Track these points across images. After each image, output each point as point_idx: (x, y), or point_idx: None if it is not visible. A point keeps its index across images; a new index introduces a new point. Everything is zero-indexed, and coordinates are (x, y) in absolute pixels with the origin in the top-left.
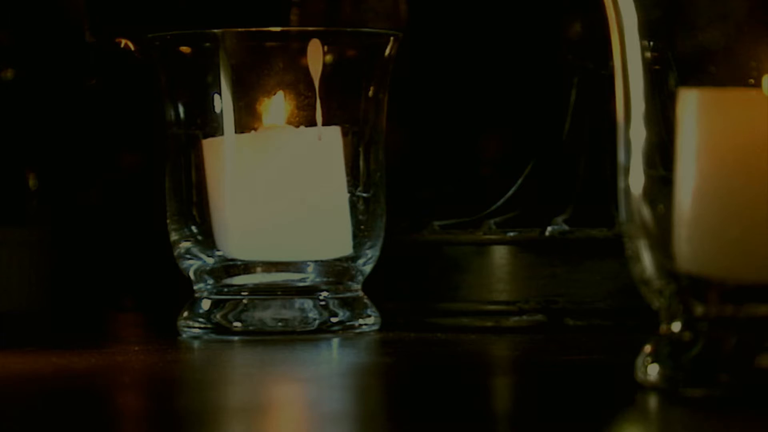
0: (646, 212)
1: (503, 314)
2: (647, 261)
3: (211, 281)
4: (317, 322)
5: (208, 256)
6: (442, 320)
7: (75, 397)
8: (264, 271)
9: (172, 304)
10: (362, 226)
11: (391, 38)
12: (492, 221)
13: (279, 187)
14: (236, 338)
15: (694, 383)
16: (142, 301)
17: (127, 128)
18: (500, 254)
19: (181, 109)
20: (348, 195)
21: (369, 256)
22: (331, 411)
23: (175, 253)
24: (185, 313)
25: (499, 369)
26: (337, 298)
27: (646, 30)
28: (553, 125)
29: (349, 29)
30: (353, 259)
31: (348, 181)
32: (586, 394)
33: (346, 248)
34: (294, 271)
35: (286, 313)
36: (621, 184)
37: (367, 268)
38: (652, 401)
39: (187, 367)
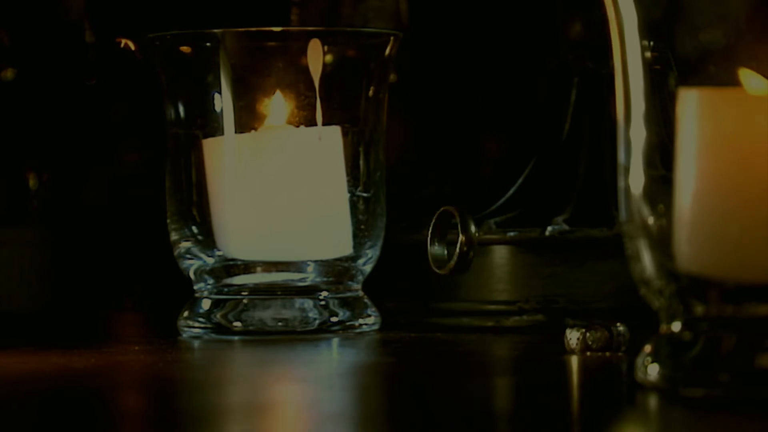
0: (646, 212)
1: (503, 314)
2: (647, 261)
3: (211, 281)
4: (317, 322)
5: (208, 256)
6: (442, 320)
7: (75, 397)
8: (264, 271)
9: (172, 304)
10: (362, 226)
11: (391, 38)
12: (492, 221)
13: (279, 187)
14: (236, 338)
15: (694, 383)
16: (142, 301)
17: (128, 128)
18: (500, 254)
19: (181, 109)
20: (348, 195)
21: (369, 256)
22: (331, 411)
23: (175, 253)
24: (185, 313)
25: (499, 369)
26: (337, 298)
27: (646, 30)
28: (553, 125)
29: (349, 29)
30: (353, 259)
31: (348, 181)
32: (586, 394)
33: (346, 248)
34: (294, 271)
35: (286, 313)
36: (621, 184)
37: (367, 268)
38: (652, 401)
39: (187, 367)
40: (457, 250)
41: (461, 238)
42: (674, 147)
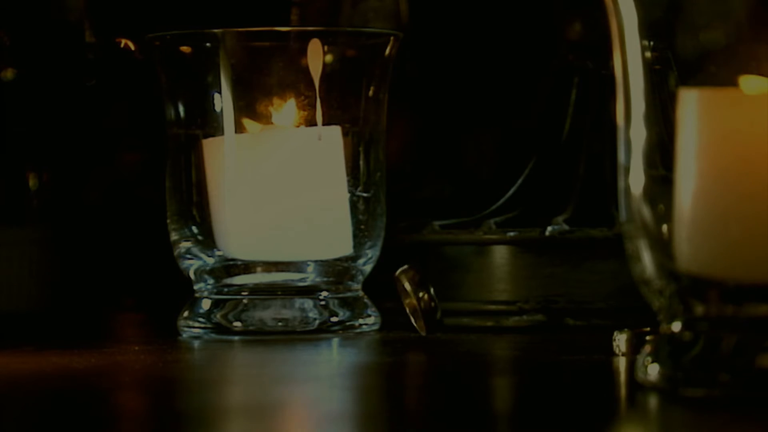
0: (646, 212)
1: (503, 314)
2: (647, 261)
3: (211, 281)
4: (317, 322)
5: (208, 256)
6: (442, 320)
7: (75, 397)
8: (264, 271)
9: (172, 304)
10: (362, 226)
11: (391, 38)
12: (492, 221)
13: (279, 186)
14: (236, 338)
15: (694, 383)
16: (142, 301)
17: (128, 128)
18: (500, 254)
19: (181, 109)
20: (348, 195)
21: (369, 256)
22: (331, 411)
23: (175, 253)
24: (185, 313)
25: (499, 369)
26: (337, 298)
27: (646, 30)
28: (553, 125)
29: (349, 29)
30: (353, 259)
31: (348, 181)
32: (586, 394)
33: (346, 248)
34: (294, 271)
35: (286, 313)
36: (621, 184)
37: (367, 268)
38: (652, 401)
39: (187, 367)
40: (426, 312)
41: (425, 299)
42: (674, 147)
